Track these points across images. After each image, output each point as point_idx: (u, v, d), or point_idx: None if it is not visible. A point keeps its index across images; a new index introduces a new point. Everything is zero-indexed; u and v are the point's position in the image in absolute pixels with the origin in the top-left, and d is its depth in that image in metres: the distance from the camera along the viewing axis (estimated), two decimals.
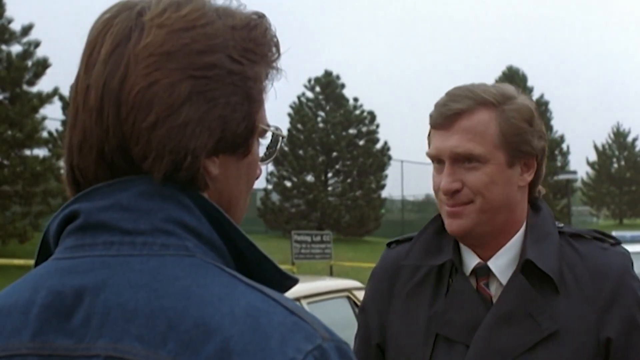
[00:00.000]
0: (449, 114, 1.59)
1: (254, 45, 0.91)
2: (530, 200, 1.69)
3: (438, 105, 1.62)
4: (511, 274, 1.60)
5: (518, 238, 1.63)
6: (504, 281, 1.61)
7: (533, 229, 1.64)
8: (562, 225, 1.69)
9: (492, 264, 1.62)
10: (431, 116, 1.63)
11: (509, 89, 1.65)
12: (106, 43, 0.88)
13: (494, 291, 1.62)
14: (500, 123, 1.58)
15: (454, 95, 1.61)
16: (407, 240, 1.77)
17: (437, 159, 1.62)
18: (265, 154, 1.00)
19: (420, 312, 1.66)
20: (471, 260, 1.64)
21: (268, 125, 0.96)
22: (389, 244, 1.83)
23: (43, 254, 0.92)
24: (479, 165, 1.57)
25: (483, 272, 1.63)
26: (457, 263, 1.65)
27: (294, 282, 0.92)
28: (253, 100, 0.91)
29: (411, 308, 1.68)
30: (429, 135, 1.67)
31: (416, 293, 1.68)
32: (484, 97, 1.59)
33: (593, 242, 1.66)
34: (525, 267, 1.59)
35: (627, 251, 1.65)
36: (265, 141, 0.98)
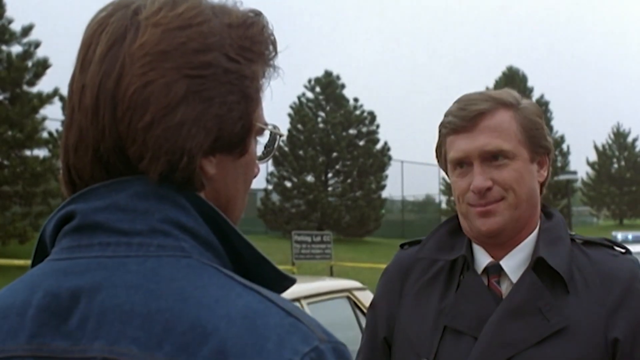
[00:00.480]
0: (471, 115, 1.62)
1: (251, 43, 0.91)
2: (541, 205, 1.73)
3: (454, 111, 1.65)
4: (522, 272, 1.63)
5: (531, 240, 1.67)
6: (514, 279, 1.64)
7: (545, 232, 1.68)
8: (574, 233, 1.73)
9: (504, 263, 1.66)
10: (449, 122, 1.66)
11: (513, 92, 1.71)
12: (101, 42, 0.87)
13: (505, 289, 1.65)
14: (520, 120, 1.64)
15: (469, 100, 1.65)
16: (420, 242, 1.81)
17: (461, 162, 1.65)
18: (263, 152, 0.99)
19: (430, 306, 1.69)
20: (483, 259, 1.68)
21: (266, 124, 0.96)
22: (402, 246, 1.88)
23: (40, 255, 0.92)
24: (508, 162, 1.62)
25: (495, 271, 1.66)
26: (469, 260, 1.68)
27: (292, 282, 0.92)
28: (250, 99, 0.90)
29: (421, 302, 1.71)
30: (439, 147, 1.71)
31: (427, 288, 1.72)
32: (500, 97, 1.65)
33: (604, 249, 1.70)
34: (537, 265, 1.62)
35: (637, 260, 1.69)
36: (263, 140, 0.98)
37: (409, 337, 1.70)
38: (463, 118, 1.63)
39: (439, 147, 1.71)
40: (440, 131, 1.70)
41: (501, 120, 1.63)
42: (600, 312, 1.58)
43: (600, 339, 1.56)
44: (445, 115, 1.68)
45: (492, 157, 1.62)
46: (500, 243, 1.65)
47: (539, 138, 1.66)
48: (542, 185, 1.70)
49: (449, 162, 1.68)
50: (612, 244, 1.71)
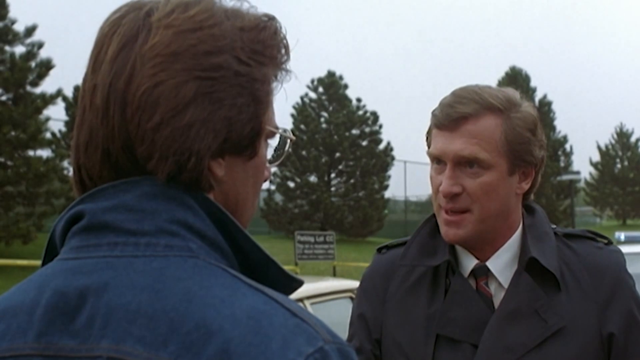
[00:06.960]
0: (455, 116, 1.57)
1: (262, 47, 0.91)
2: (523, 203, 1.69)
3: (444, 105, 1.60)
4: (511, 272, 1.61)
5: (516, 238, 1.64)
6: (502, 280, 1.61)
7: (531, 229, 1.65)
8: (554, 226, 1.71)
9: (490, 264, 1.62)
10: (435, 115, 1.61)
11: (514, 94, 1.63)
12: (113, 43, 0.88)
13: (494, 290, 1.62)
14: (506, 130, 1.57)
15: (460, 97, 1.59)
16: (399, 245, 1.76)
17: (438, 160, 1.61)
18: (273, 156, 0.99)
19: (418, 311, 1.65)
20: (469, 262, 1.64)
21: (276, 127, 0.96)
22: (379, 250, 1.82)
23: (50, 255, 0.92)
24: (481, 171, 1.56)
25: (482, 272, 1.63)
26: (453, 264, 1.65)
27: (299, 284, 0.92)
28: (260, 102, 0.90)
29: (407, 307, 1.67)
30: (428, 133, 1.65)
31: (412, 293, 1.67)
32: (491, 102, 1.57)
33: (588, 241, 1.68)
34: (528, 265, 1.60)
35: (621, 250, 1.69)
36: (273, 143, 0.98)
37: (399, 343, 1.65)
38: (447, 117, 1.57)
39: (428, 135, 1.66)
40: (431, 118, 1.64)
41: (484, 127, 1.56)
42: (593, 308, 1.58)
43: (596, 334, 1.57)
44: (439, 104, 1.62)
45: (466, 163, 1.56)
46: (473, 248, 1.63)
47: (523, 152, 1.58)
48: (526, 193, 1.65)
49: (429, 153, 1.64)
50: (594, 235, 1.69)
